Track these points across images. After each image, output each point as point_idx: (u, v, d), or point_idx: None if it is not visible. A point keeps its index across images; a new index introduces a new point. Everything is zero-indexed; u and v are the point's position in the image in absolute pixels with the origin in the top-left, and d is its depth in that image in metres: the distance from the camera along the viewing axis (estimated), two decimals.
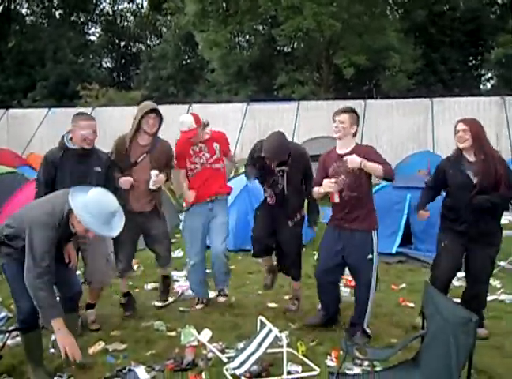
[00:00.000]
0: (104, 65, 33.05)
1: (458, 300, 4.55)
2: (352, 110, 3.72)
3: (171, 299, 4.70)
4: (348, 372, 3.17)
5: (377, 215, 3.80)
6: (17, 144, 15.34)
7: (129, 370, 3.13)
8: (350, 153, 3.59)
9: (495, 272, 4.25)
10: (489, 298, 4.31)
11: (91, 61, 30.72)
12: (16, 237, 2.99)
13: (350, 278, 4.58)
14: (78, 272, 3.97)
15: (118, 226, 2.97)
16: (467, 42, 22.53)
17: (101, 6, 31.92)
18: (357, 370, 3.28)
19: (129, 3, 32.16)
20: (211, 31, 19.61)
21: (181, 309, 4.49)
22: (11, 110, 17.94)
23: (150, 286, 5.10)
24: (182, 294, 4.86)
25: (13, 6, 29.49)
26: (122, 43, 32.72)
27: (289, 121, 13.66)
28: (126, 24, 32.92)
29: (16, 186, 6.85)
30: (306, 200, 4.33)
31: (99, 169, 3.86)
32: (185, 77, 27.04)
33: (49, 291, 2.87)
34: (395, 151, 12.60)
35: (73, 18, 31.33)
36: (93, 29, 32.91)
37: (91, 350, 3.58)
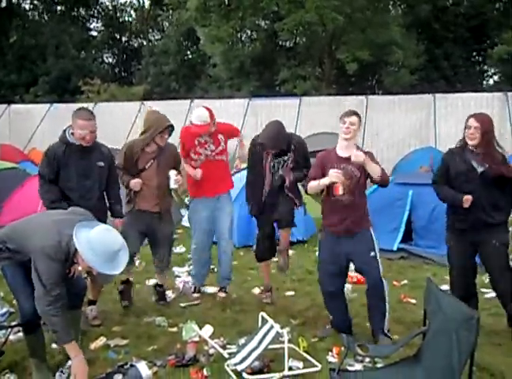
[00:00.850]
0: (106, 60, 32.98)
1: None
2: (358, 114, 3.67)
3: (172, 295, 4.71)
4: (349, 368, 3.17)
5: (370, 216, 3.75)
6: (19, 140, 15.32)
7: (131, 366, 3.12)
8: (350, 158, 3.53)
9: None
10: (491, 294, 4.30)
11: (93, 56, 30.68)
12: (18, 252, 2.97)
13: (352, 274, 4.59)
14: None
15: (121, 264, 2.92)
16: (470, 38, 22.40)
17: (101, 0, 31.77)
18: (358, 367, 3.27)
19: None
20: (213, 26, 19.52)
21: (182, 305, 4.50)
22: (13, 106, 17.91)
23: (152, 282, 5.11)
24: (183, 290, 4.88)
25: (15, 1, 29.39)
26: (124, 38, 32.64)
27: (291, 116, 13.60)
28: (127, 19, 32.83)
29: (18, 182, 6.86)
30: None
31: (102, 163, 3.87)
32: (187, 73, 26.98)
33: (62, 316, 2.84)
34: (397, 147, 12.56)
35: (74, 13, 31.22)
36: (94, 24, 32.81)
37: (92, 346, 3.60)
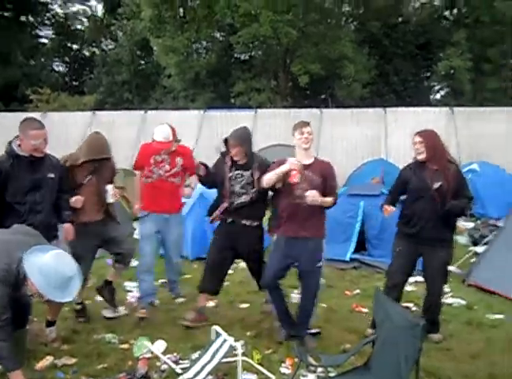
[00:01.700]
0: (56, 68, 32.02)
1: (410, 304, 4.68)
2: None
3: (124, 311, 4.58)
4: None
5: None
6: None
7: None
8: (311, 165, 3.73)
9: None
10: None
11: (42, 64, 29.76)
12: None
13: None
14: None
15: (73, 291, 2.85)
16: (418, 54, 23.38)
17: (50, 7, 30.94)
18: (312, 377, 3.30)
19: (81, 5, 31.38)
20: (167, 37, 19.45)
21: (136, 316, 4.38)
22: None
23: (100, 298, 4.95)
24: (134, 303, 4.76)
25: None
26: (75, 47, 31.88)
27: None
28: (79, 27, 32.10)
29: None
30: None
31: (52, 175, 3.76)
32: (140, 83, 26.61)
33: (8, 342, 2.76)
34: (350, 159, 12.85)
35: (22, 19, 30.21)
36: (45, 31, 31.83)
37: (38, 366, 3.44)
